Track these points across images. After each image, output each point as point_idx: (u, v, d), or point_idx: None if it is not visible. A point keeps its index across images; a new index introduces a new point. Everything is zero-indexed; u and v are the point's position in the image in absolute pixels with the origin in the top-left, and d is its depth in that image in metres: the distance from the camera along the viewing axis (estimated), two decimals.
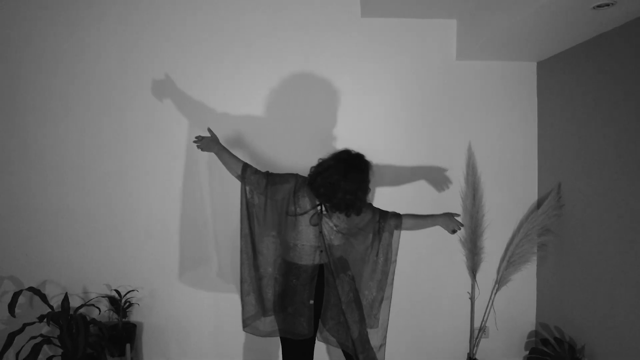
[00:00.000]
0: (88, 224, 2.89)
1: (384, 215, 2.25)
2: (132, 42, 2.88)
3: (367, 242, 2.26)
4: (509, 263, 2.94)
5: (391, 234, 2.24)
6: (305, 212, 2.15)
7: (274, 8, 2.92)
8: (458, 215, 2.36)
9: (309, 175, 2.19)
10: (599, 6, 2.07)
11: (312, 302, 2.17)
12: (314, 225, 2.14)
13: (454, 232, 2.32)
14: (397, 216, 2.26)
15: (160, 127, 2.91)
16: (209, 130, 2.39)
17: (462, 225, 2.33)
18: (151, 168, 2.91)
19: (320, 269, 2.19)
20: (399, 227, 2.24)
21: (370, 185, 2.19)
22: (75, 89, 2.87)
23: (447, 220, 2.31)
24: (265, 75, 2.93)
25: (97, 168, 2.89)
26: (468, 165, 3.00)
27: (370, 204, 2.30)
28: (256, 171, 2.24)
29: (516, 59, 2.99)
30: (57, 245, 2.89)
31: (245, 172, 2.23)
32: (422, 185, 3.01)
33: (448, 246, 3.04)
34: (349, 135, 2.96)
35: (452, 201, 3.01)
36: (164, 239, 2.94)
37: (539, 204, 3.03)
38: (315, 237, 2.16)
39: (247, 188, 2.23)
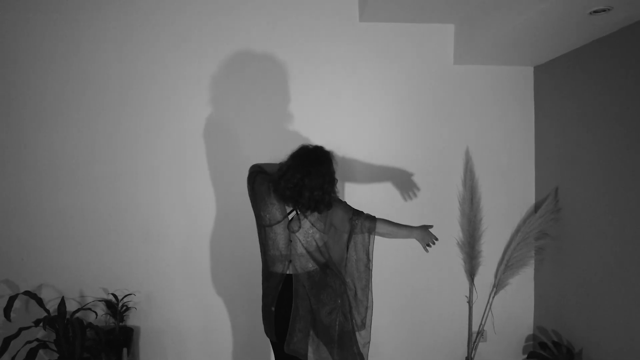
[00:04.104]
0: (85, 227, 2.87)
1: (357, 213, 2.14)
2: (130, 44, 2.87)
3: (343, 240, 2.16)
4: (507, 267, 2.95)
5: (365, 237, 2.13)
6: (277, 222, 2.09)
7: (272, 12, 2.93)
8: (432, 226, 2.23)
9: (273, 181, 2.08)
10: (595, 12, 2.09)
11: (273, 309, 2.12)
12: (294, 231, 2.08)
13: (428, 247, 2.20)
14: (371, 219, 2.13)
15: (158, 131, 2.90)
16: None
17: (436, 239, 2.20)
18: (149, 171, 2.90)
19: (288, 279, 2.11)
20: (372, 230, 2.12)
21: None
22: (71, 91, 2.86)
23: (423, 233, 2.18)
24: (263, 77, 2.93)
25: (94, 171, 2.87)
26: (466, 169, 3.02)
27: (345, 202, 2.20)
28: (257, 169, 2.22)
29: (513, 63, 3.01)
30: (54, 249, 2.86)
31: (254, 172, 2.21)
32: (419, 187, 3.02)
33: (446, 250, 3.04)
34: (347, 138, 2.97)
35: (449, 205, 3.02)
36: (161, 242, 2.92)
37: (536, 207, 3.05)
38: (285, 246, 2.10)
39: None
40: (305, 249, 2.09)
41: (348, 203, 2.22)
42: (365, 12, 2.83)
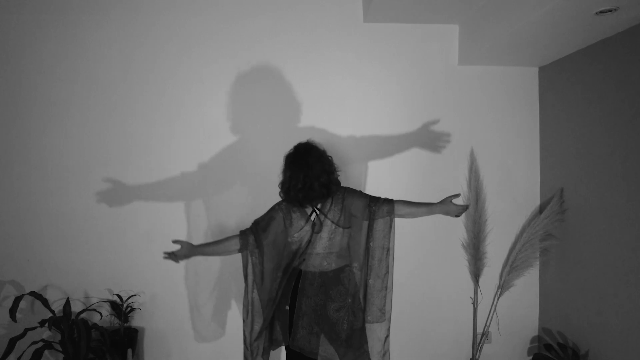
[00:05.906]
0: (90, 228, 2.88)
1: (374, 199, 2.16)
2: (133, 45, 2.89)
3: (364, 230, 2.17)
4: (512, 268, 2.93)
5: (385, 221, 2.14)
6: (302, 229, 2.14)
7: (276, 12, 2.93)
8: (457, 195, 2.17)
9: (282, 197, 2.17)
10: (601, 12, 2.08)
11: (287, 307, 2.16)
12: (317, 232, 2.13)
13: (458, 215, 2.18)
14: (389, 202, 2.14)
15: (161, 132, 2.90)
16: (178, 241, 2.21)
17: (465, 206, 2.16)
18: (153, 172, 2.90)
19: (298, 276, 2.16)
20: (391, 212, 2.13)
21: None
22: (77, 92, 2.87)
23: (446, 207, 2.17)
24: (267, 78, 2.93)
25: (99, 172, 2.88)
26: (470, 170, 3.01)
27: (360, 190, 2.22)
28: (250, 232, 2.18)
29: (518, 64, 3.00)
30: (59, 250, 2.87)
31: (248, 240, 2.15)
32: (423, 189, 3.00)
33: (451, 251, 3.04)
34: (350, 138, 2.97)
35: None
36: (166, 243, 2.90)
37: (541, 208, 3.03)
38: (305, 245, 2.15)
39: (249, 254, 2.16)
40: (328, 248, 2.13)
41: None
42: (369, 13, 2.83)
